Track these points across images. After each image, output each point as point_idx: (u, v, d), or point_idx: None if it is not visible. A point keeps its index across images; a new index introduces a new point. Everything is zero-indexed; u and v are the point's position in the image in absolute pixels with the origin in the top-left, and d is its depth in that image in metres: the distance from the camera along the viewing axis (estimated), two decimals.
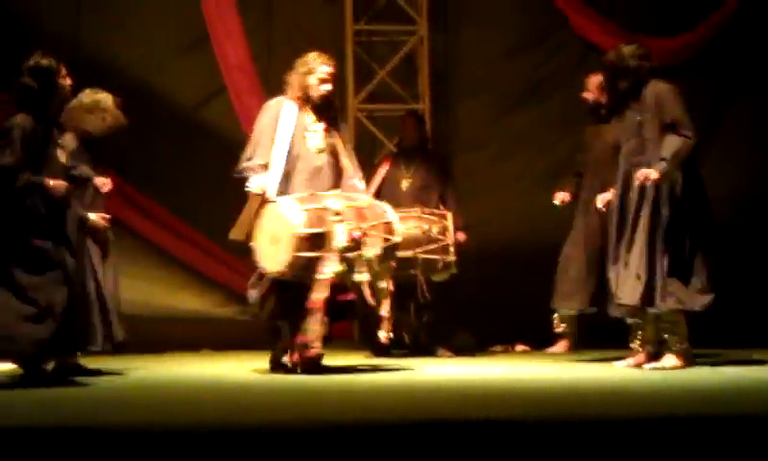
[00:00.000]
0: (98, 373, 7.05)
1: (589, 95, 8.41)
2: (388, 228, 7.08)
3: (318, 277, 6.79)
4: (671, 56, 9.59)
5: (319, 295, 6.77)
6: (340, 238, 6.79)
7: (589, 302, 8.26)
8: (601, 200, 7.53)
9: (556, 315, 8.54)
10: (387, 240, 7.03)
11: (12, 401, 5.69)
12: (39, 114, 6.39)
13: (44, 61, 6.46)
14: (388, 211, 7.19)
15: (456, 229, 8.54)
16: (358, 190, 7.29)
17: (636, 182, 6.85)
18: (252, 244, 6.98)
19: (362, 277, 6.86)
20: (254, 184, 7.04)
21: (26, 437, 4.24)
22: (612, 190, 7.27)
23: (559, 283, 8.43)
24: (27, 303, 6.25)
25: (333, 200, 6.99)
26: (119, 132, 7.33)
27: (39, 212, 6.29)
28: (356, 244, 6.84)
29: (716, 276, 6.94)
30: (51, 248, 6.30)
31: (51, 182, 6.33)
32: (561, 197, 8.48)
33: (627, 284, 6.91)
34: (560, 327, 8.54)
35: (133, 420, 4.87)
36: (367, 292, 6.95)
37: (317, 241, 6.80)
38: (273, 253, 6.86)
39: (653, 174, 6.76)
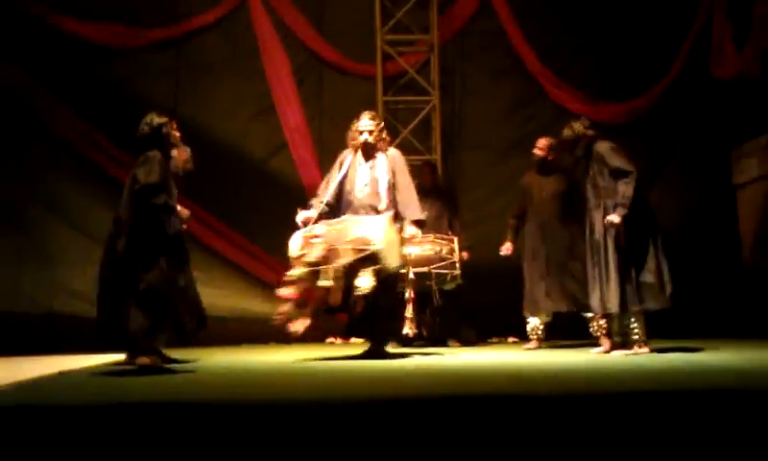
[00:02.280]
0: (177, 361, 6.57)
1: (539, 152, 8.12)
2: (363, 241, 6.54)
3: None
4: (625, 116, 9.49)
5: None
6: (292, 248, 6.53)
7: (553, 309, 7.88)
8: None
9: (532, 323, 7.95)
10: (362, 250, 6.51)
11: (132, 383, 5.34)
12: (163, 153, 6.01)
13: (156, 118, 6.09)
14: (364, 228, 6.60)
15: (461, 249, 8.32)
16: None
17: (606, 225, 6.61)
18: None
19: (325, 282, 6.46)
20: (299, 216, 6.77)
21: (138, 412, 3.94)
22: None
23: (528, 299, 7.94)
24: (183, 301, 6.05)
25: (319, 226, 6.66)
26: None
27: (168, 230, 5.89)
28: (324, 259, 6.48)
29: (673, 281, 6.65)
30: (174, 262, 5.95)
31: (179, 208, 6.08)
32: (506, 249, 8.05)
33: (604, 294, 6.65)
34: (533, 334, 7.94)
35: (218, 396, 4.57)
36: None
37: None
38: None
39: (615, 219, 6.55)
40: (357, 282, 6.44)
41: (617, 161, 6.66)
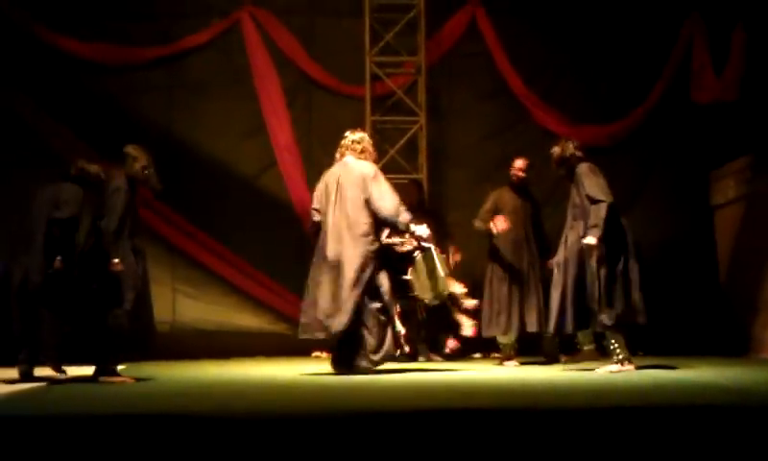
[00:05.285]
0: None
1: (522, 174, 8.17)
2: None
3: None
4: (607, 138, 9.57)
5: None
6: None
7: (520, 329, 7.91)
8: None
9: (502, 341, 8.02)
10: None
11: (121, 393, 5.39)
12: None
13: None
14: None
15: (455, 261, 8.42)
16: None
17: (584, 248, 6.63)
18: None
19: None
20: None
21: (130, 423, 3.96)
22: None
23: (495, 322, 7.97)
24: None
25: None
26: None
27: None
28: None
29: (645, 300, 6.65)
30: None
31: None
32: (500, 225, 7.98)
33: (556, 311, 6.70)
34: (508, 356, 7.98)
35: (205, 408, 4.59)
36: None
37: None
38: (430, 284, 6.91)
39: (591, 240, 6.58)
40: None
41: (591, 189, 6.70)
